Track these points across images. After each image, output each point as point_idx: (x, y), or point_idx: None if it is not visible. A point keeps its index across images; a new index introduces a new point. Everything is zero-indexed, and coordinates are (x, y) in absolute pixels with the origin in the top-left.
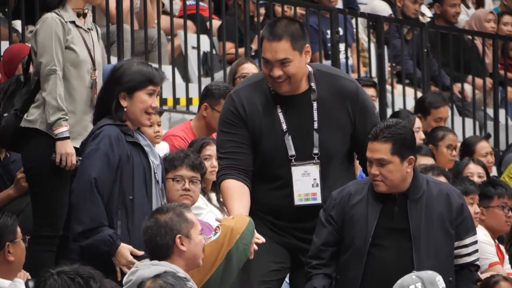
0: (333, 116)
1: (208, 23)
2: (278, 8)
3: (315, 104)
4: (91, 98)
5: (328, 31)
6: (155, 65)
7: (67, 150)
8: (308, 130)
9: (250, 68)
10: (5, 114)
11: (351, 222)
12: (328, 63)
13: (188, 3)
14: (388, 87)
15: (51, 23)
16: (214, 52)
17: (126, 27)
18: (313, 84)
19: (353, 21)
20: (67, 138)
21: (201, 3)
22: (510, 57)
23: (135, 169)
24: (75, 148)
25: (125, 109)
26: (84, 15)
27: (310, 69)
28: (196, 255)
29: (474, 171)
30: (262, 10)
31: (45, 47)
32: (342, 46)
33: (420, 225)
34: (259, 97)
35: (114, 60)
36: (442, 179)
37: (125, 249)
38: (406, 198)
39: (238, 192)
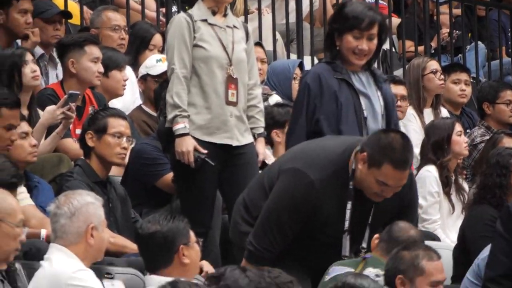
0: (387, 212)
1: (387, 21)
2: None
3: None
4: (226, 94)
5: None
6: None
7: (182, 148)
8: (363, 226)
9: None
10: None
11: None
12: (508, 60)
13: (367, 1)
14: None
15: (176, 23)
16: (393, 50)
17: (306, 24)
18: None
19: None
20: (185, 134)
21: (380, 1)
22: None
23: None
24: (211, 143)
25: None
26: (225, 15)
27: None
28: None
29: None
30: (442, 8)
31: (169, 47)
32: None
33: None
34: (336, 190)
35: (293, 57)
36: None
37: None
38: None
39: None
